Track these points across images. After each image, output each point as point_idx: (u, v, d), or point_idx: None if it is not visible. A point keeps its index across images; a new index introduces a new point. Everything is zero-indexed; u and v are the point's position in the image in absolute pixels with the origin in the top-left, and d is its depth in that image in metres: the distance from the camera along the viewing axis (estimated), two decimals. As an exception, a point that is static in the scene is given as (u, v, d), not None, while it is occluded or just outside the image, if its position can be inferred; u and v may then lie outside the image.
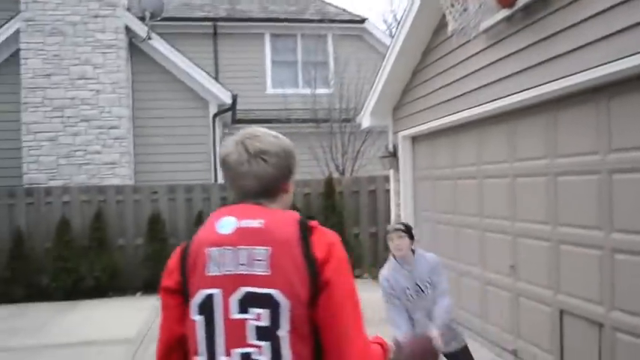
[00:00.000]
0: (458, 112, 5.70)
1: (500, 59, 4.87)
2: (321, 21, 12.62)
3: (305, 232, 1.41)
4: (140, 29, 10.75)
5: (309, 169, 11.17)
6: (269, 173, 1.50)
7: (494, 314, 5.40)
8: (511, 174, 5.04)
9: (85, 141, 10.33)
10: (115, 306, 7.72)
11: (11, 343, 6.12)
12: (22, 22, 10.28)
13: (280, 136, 1.58)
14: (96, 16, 10.49)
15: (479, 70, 5.26)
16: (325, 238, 1.43)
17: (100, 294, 8.21)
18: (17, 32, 10.36)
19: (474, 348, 5.26)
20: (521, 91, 4.55)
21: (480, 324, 5.66)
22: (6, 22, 10.50)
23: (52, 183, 9.83)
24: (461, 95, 5.64)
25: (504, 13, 4.62)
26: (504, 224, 5.15)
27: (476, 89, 5.32)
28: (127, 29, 10.75)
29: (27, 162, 10.18)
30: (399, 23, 6.88)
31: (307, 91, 12.04)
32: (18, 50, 10.36)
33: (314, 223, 1.47)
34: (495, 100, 4.97)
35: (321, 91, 11.90)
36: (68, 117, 10.31)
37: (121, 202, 8.87)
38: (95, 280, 8.21)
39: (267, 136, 1.55)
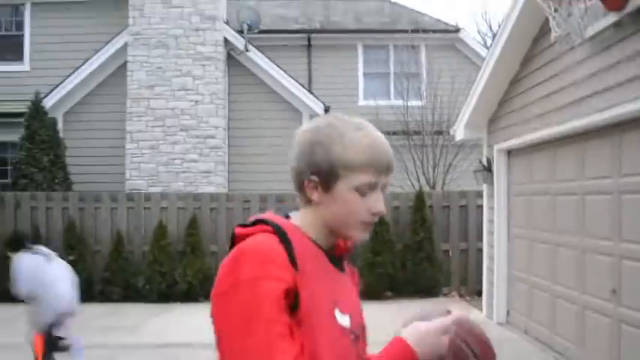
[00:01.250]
0: (559, 124, 5.41)
1: (607, 68, 4.57)
2: (414, 31, 12.45)
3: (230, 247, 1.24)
4: (238, 42, 11.09)
5: (399, 182, 11.02)
6: (291, 167, 1.28)
7: (592, 341, 5.04)
8: (616, 190, 4.70)
9: (183, 150, 10.76)
10: (205, 311, 7.87)
11: (107, 340, 6.42)
12: (129, 35, 10.90)
13: (334, 120, 1.29)
14: (197, 30, 10.93)
15: (582, 79, 4.97)
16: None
17: (192, 298, 8.47)
18: (125, 45, 10.99)
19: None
20: (630, 102, 4.24)
21: (575, 351, 5.30)
22: (115, 37, 11.16)
23: (152, 189, 10.30)
24: (562, 107, 5.34)
25: (612, 18, 4.33)
26: (607, 244, 4.80)
27: (579, 100, 5.02)
28: (226, 42, 11.13)
29: (129, 169, 10.74)
30: (495, 34, 6.65)
31: (399, 102, 11.90)
32: (125, 63, 10.97)
33: (239, 231, 1.23)
34: (600, 111, 4.66)
35: (413, 102, 11.72)
36: (168, 126, 10.79)
37: (215, 210, 9.13)
38: (187, 285, 8.49)
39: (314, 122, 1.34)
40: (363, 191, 1.22)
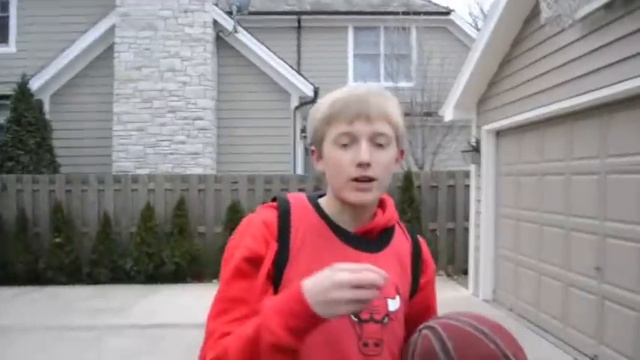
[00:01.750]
0: (547, 105, 5.41)
1: (597, 49, 4.57)
2: (405, 13, 12.39)
3: None
4: (227, 23, 10.98)
5: (388, 164, 11.01)
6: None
7: (576, 317, 5.09)
8: (602, 171, 4.71)
9: (171, 131, 10.69)
10: (193, 291, 7.91)
11: (95, 321, 6.41)
12: (117, 17, 10.76)
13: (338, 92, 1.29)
14: (185, 11, 10.80)
15: (572, 60, 4.96)
16: None
17: (179, 279, 8.45)
18: (112, 27, 10.85)
19: (552, 351, 5.00)
20: (619, 83, 4.23)
21: (559, 327, 5.35)
22: (103, 18, 11.01)
23: (139, 171, 10.24)
24: (551, 87, 5.34)
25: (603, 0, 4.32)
26: (592, 223, 4.83)
27: (568, 81, 5.02)
28: (215, 23, 11.01)
29: (116, 150, 10.66)
30: (486, 15, 6.60)
31: (389, 84, 11.86)
32: (112, 44, 10.85)
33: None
34: (590, 91, 4.66)
35: (403, 84, 11.69)
36: (156, 108, 10.70)
37: (203, 191, 9.09)
38: (175, 266, 8.46)
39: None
40: (343, 143, 1.21)
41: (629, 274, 4.30)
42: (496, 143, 7.07)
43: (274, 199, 1.30)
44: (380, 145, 1.21)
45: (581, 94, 4.81)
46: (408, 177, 8.81)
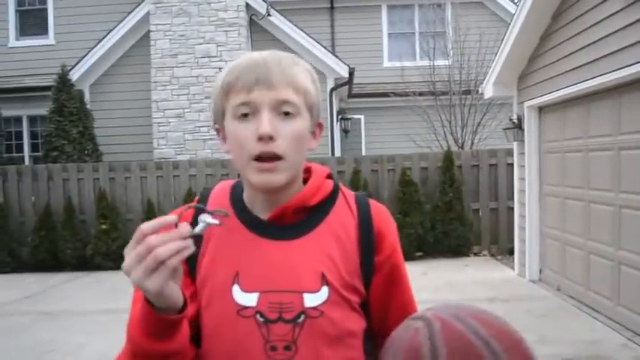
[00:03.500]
0: (591, 78, 5.25)
1: (641, 19, 4.40)
2: (440, -11, 12.16)
3: None
4: (260, 6, 10.96)
5: (427, 143, 10.92)
6: None
7: (629, 297, 4.97)
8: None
9: (209, 117, 10.72)
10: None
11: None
12: (151, 4, 10.84)
13: None
14: (218, -5, 10.82)
15: (615, 32, 4.79)
16: None
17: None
18: (147, 15, 10.94)
19: (604, 331, 4.91)
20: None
21: (611, 306, 5.25)
22: (137, 6, 11.12)
23: (179, 157, 10.38)
24: (595, 60, 5.18)
25: (649, -36, 4.15)
26: (644, 200, 4.70)
27: (612, 53, 4.86)
28: (247, 7, 11.00)
29: (157, 137, 10.82)
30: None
31: (425, 62, 11.68)
32: (148, 32, 10.95)
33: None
34: (636, 63, 4.50)
35: (439, 62, 11.49)
36: (193, 94, 10.79)
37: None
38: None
39: None
40: (242, 113, 1.05)
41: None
42: (539, 119, 6.91)
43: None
44: (287, 114, 1.05)
45: (626, 67, 4.65)
46: (448, 157, 8.71)
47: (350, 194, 1.20)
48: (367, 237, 1.13)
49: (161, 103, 10.81)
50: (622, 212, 5.07)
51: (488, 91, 7.66)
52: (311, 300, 1.05)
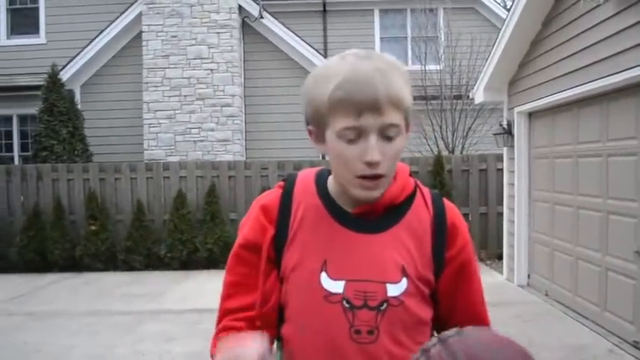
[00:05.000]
0: (581, 84, 5.29)
1: (633, 25, 4.44)
2: (432, -6, 12.19)
3: None
4: (252, 8, 10.98)
5: (417, 147, 10.94)
6: None
7: (616, 303, 5.01)
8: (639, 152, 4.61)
9: (200, 119, 10.75)
10: (226, 277, 8.00)
11: (132, 307, 6.53)
12: (143, 5, 10.82)
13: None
14: (211, -3, 10.81)
15: (607, 38, 4.84)
16: None
17: (212, 265, 8.53)
18: (139, 15, 10.92)
19: (591, 337, 4.94)
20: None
21: (598, 312, 5.28)
22: (129, 7, 11.09)
23: (170, 159, 10.35)
24: (586, 66, 5.22)
25: (639, -27, 4.19)
26: (631, 206, 4.73)
27: (603, 59, 4.90)
28: (240, 9, 11.02)
29: (147, 139, 10.79)
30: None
31: (417, 67, 11.72)
32: (140, 33, 10.92)
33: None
34: (626, 70, 4.54)
35: (431, 67, 11.54)
36: (185, 96, 10.77)
37: (233, 178, 9.15)
38: (208, 252, 8.57)
39: None
40: (348, 138, 1.08)
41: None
42: (529, 125, 6.96)
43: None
44: (389, 138, 1.09)
45: (616, 73, 4.69)
46: (438, 161, 8.75)
47: (426, 191, 1.26)
48: (441, 232, 1.21)
49: (152, 104, 10.78)
50: (609, 218, 5.11)
51: (478, 96, 7.71)
52: (393, 290, 1.14)
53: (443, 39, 12.09)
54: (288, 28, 11.12)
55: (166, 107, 10.76)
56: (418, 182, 1.27)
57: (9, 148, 11.94)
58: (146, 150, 10.76)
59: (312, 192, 1.21)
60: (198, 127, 10.74)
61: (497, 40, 6.88)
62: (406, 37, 13.58)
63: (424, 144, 11.03)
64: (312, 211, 1.18)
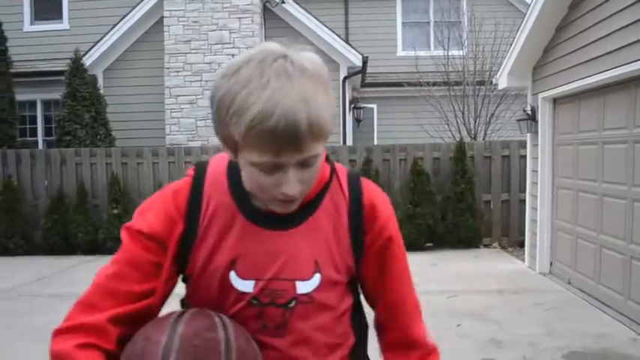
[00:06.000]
0: (607, 70, 5.18)
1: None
2: (456, -22, 12.03)
3: None
4: (273, -7, 10.92)
5: (439, 134, 10.85)
6: None
7: (639, 290, 4.93)
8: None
9: (222, 105, 10.75)
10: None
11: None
12: (165, -10, 10.83)
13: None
14: (232, -18, 10.78)
15: (635, 22, 4.71)
16: None
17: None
18: (161, 1, 10.92)
19: (614, 325, 4.88)
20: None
21: (621, 301, 5.20)
22: (151, -9, 11.11)
23: (191, 144, 10.41)
24: (613, 51, 5.10)
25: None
26: (658, 194, 4.64)
27: (631, 44, 4.78)
28: (261, -7, 10.96)
29: (169, 124, 10.84)
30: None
31: (440, 52, 11.59)
32: (161, 18, 10.94)
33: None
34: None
35: (454, 52, 11.40)
36: (206, 81, 10.78)
37: (253, 163, 9.16)
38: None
39: None
40: (264, 169, 0.98)
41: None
42: (553, 111, 6.84)
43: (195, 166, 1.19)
44: (309, 165, 1.01)
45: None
46: (460, 148, 8.66)
47: (343, 173, 1.20)
48: (358, 215, 1.15)
49: (174, 89, 10.82)
50: (635, 206, 5.02)
51: (502, 81, 7.59)
52: (302, 287, 1.11)
53: (466, 24, 11.92)
54: (309, 13, 11.04)
55: (188, 92, 10.79)
56: (335, 165, 1.20)
57: (33, 132, 12.11)
58: (168, 135, 10.82)
59: (223, 188, 1.13)
60: (219, 113, 10.76)
61: (522, 25, 6.75)
62: (429, 22, 13.43)
63: (446, 130, 10.94)
64: (223, 209, 1.11)
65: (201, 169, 1.18)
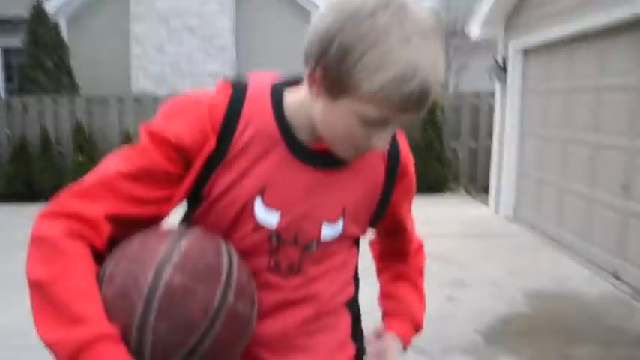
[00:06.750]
0: (578, 21, 5.18)
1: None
2: None
3: None
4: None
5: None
6: (307, 38, 0.96)
7: (598, 234, 5.08)
8: (636, 88, 4.55)
9: (189, 51, 10.53)
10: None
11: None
12: None
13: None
14: None
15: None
16: None
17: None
18: (125, -57, 10.53)
19: (573, 267, 5.03)
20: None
21: (580, 243, 5.37)
22: None
23: (158, 92, 10.20)
24: (583, 3, 5.10)
25: None
26: (621, 142, 4.72)
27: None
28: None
29: (135, 71, 10.59)
30: None
31: (411, 1, 11.44)
32: (127, -39, 10.56)
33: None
34: (622, 7, 4.44)
35: (425, 2, 11.25)
36: (173, 27, 10.51)
37: (223, 111, 9.05)
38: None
39: None
40: (368, 123, 0.92)
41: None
42: (523, 61, 6.85)
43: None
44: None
45: (612, 10, 4.59)
46: (430, 96, 8.65)
47: None
48: (393, 173, 1.13)
49: (140, 35, 10.53)
50: (599, 154, 5.11)
51: (474, 31, 7.54)
52: (327, 231, 1.07)
53: (439, -28, 11.74)
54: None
55: (154, 39, 10.52)
56: None
57: (-6, 80, 11.72)
58: (134, 83, 10.59)
59: (266, 113, 1.03)
60: (187, 60, 10.53)
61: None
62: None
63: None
64: (264, 134, 1.02)
65: (240, 88, 1.04)
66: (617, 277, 4.68)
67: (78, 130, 8.75)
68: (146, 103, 9.05)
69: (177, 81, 10.53)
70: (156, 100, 9.08)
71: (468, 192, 8.79)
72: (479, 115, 8.84)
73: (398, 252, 1.32)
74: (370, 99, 0.88)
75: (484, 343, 3.55)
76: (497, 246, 5.76)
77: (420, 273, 1.34)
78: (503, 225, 6.81)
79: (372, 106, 0.88)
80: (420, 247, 1.36)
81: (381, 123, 0.92)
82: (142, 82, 10.57)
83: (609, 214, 4.90)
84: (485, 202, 7.88)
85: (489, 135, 8.27)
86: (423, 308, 1.30)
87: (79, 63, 10.35)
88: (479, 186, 8.77)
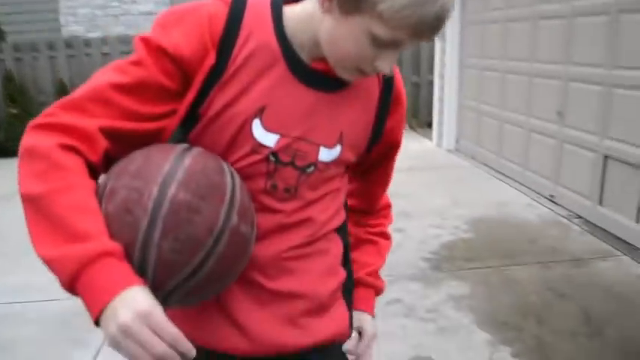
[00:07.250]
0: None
1: None
2: None
3: None
4: None
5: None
6: None
7: (536, 161, 5.31)
8: (569, 14, 4.66)
9: (120, -9, 10.06)
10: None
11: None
12: None
13: None
14: None
15: None
16: None
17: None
18: None
19: (512, 194, 5.27)
20: None
21: (519, 171, 5.61)
22: None
23: (90, 35, 9.75)
24: None
25: None
26: (556, 68, 4.87)
27: None
28: None
29: (64, 14, 10.05)
30: None
31: None
32: None
33: None
34: None
35: None
36: (102, -35, 9.97)
37: (161, 54, 8.76)
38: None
39: None
40: (379, 43, 0.90)
41: (589, 116, 4.43)
42: (461, -9, 6.88)
43: None
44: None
45: None
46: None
47: None
48: (386, 99, 1.12)
49: (66, -25, 9.95)
50: (535, 81, 5.27)
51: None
52: (325, 155, 1.06)
53: None
54: None
55: (82, -21, 9.97)
56: None
57: None
58: (64, 27, 10.06)
59: (267, 28, 0.99)
60: (119, 0, 10.06)
61: None
62: None
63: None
64: (265, 50, 0.98)
65: None
66: (554, 202, 4.94)
67: (7, 80, 8.33)
68: (78, 47, 8.66)
69: (109, 23, 10.08)
70: (88, 44, 8.70)
71: (411, 127, 8.93)
72: (420, 49, 8.88)
73: (367, 197, 1.33)
74: (387, 19, 0.85)
75: (431, 270, 3.73)
76: (441, 178, 5.95)
77: (383, 234, 1.38)
78: (446, 157, 7.01)
79: (387, 26, 0.86)
80: (388, 205, 1.38)
81: (391, 45, 0.90)
82: (72, 26, 10.06)
83: (546, 140, 5.11)
84: (429, 136, 8.05)
85: (431, 69, 8.35)
86: (382, 266, 1.39)
87: (4, 9, 9.73)
88: (422, 120, 8.91)
